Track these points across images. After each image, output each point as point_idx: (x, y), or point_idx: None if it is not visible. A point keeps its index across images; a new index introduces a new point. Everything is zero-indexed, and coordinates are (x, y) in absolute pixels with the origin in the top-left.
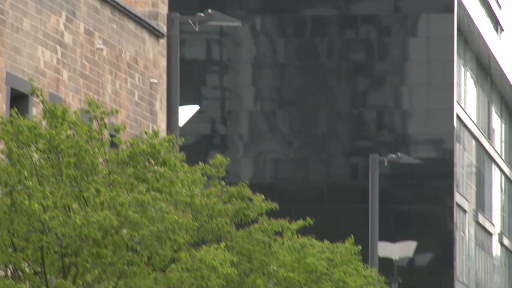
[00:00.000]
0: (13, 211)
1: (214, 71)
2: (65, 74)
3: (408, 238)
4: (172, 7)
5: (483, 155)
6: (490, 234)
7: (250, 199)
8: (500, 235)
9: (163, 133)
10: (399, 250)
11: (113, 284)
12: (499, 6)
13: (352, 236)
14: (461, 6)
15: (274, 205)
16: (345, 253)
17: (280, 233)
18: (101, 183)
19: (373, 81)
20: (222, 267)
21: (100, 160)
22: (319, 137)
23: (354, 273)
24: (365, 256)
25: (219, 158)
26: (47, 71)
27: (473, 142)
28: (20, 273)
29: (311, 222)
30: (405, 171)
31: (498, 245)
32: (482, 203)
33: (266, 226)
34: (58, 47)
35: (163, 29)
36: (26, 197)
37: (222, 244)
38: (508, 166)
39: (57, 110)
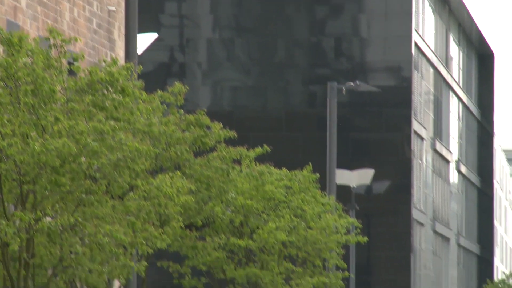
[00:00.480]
0: None
1: None
2: (23, 1)
3: (365, 166)
4: None
5: (441, 83)
6: (448, 162)
7: (208, 127)
8: (458, 162)
9: (121, 61)
10: (357, 178)
11: (71, 213)
12: None
13: (310, 164)
14: None
15: (232, 133)
16: (303, 180)
17: (238, 161)
18: (60, 111)
19: (331, 9)
20: (178, 196)
21: (58, 88)
22: (277, 65)
23: (312, 200)
24: (323, 183)
25: (177, 86)
26: None
27: (431, 70)
28: None
29: (268, 149)
30: (363, 99)
31: (455, 173)
32: (439, 131)
33: (224, 153)
34: None
35: None
36: None
37: (178, 172)
38: (465, 94)
39: (13, 38)
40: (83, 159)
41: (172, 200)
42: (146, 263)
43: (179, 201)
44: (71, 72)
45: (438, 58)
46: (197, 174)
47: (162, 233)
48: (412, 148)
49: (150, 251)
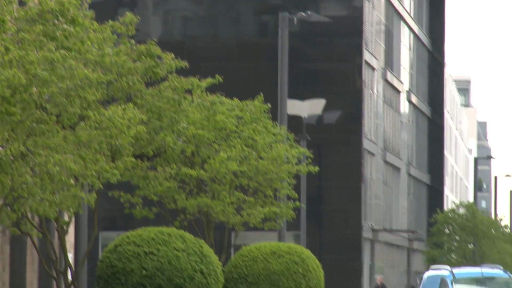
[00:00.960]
0: None
1: None
2: None
3: (316, 96)
4: None
5: (392, 13)
6: (398, 92)
7: (159, 57)
8: (408, 92)
9: None
10: (308, 108)
11: (22, 142)
12: None
13: (262, 94)
14: None
15: (184, 63)
16: (254, 111)
17: (189, 91)
18: (10, 41)
19: None
20: (130, 129)
21: (8, 17)
22: None
23: (263, 130)
24: (274, 114)
25: (128, 16)
26: None
27: (382, 0)
28: None
29: (220, 79)
30: (315, 29)
31: (406, 103)
32: (390, 61)
33: (176, 84)
34: None
35: None
36: None
37: (130, 104)
38: (416, 24)
39: None
40: (34, 89)
41: (123, 132)
42: (95, 196)
43: (130, 133)
44: (21, 2)
45: None
46: (148, 105)
47: (113, 167)
48: (363, 78)
49: (101, 185)
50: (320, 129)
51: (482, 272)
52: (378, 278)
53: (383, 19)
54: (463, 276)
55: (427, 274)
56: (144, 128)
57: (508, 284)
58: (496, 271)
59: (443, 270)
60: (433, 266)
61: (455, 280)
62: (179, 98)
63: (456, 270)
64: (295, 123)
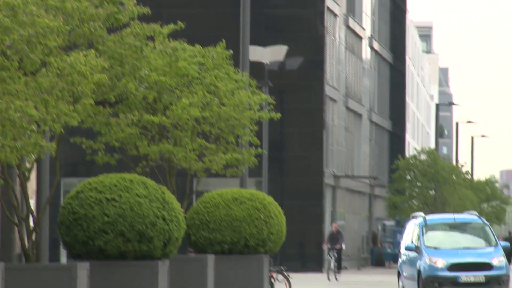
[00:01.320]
0: None
1: None
2: None
3: (279, 42)
4: None
5: None
6: (360, 38)
7: (121, 3)
8: (370, 39)
9: None
10: (270, 54)
11: None
12: None
13: (224, 41)
14: None
15: (146, 10)
16: (216, 57)
17: (151, 38)
18: None
19: None
20: (92, 74)
21: None
22: None
23: (225, 77)
24: (236, 60)
25: None
26: None
27: None
28: None
29: (182, 26)
30: None
31: (368, 49)
32: (352, 7)
33: (138, 30)
34: None
35: None
36: None
37: (92, 51)
38: None
39: None
40: None
41: (85, 78)
42: (55, 146)
43: (92, 80)
44: None
45: None
46: (110, 51)
47: (72, 110)
48: (325, 24)
49: (61, 129)
50: (282, 76)
51: (454, 218)
52: (334, 225)
53: None
54: (435, 222)
55: (407, 223)
56: (106, 76)
57: (483, 229)
58: (469, 217)
59: (418, 218)
60: (413, 214)
61: (427, 226)
62: (141, 45)
63: (429, 217)
64: (257, 69)
